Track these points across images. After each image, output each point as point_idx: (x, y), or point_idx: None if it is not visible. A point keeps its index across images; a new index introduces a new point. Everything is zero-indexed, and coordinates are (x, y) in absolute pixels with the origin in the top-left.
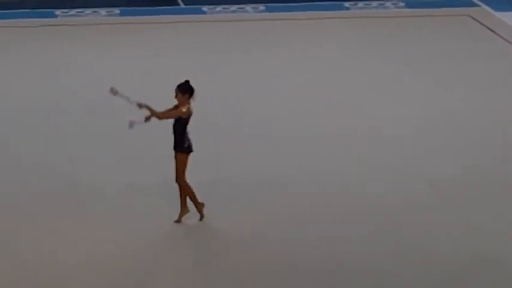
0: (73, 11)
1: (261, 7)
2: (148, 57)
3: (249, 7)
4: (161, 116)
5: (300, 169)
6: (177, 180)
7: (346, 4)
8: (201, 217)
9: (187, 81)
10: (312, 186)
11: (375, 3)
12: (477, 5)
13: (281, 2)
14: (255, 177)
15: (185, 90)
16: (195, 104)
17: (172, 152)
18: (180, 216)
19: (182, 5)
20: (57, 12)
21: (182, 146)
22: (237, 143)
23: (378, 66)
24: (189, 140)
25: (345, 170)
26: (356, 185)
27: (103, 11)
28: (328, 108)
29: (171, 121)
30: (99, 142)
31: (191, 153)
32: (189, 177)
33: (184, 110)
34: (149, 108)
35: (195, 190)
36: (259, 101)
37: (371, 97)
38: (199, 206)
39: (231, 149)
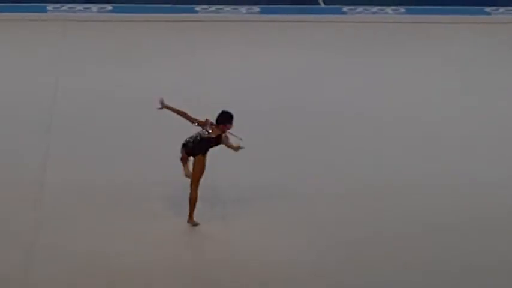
0: (213, 8)
1: (402, 9)
2: (288, 55)
3: (389, 9)
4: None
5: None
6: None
7: (487, 9)
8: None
9: (226, 112)
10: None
11: None
12: None
13: (422, 5)
14: None
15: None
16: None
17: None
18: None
19: (322, 5)
20: (198, 8)
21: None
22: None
23: None
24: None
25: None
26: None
27: (243, 9)
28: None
29: None
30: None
31: None
32: None
33: (220, 133)
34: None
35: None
36: (408, 103)
37: None
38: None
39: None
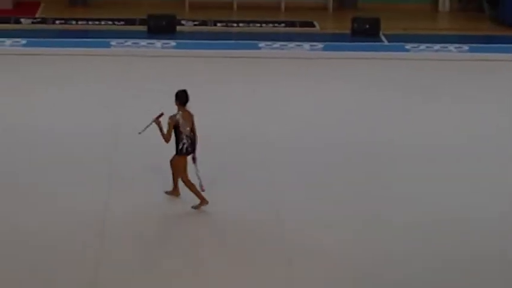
0: (277, 44)
1: (465, 47)
2: (351, 92)
3: (452, 47)
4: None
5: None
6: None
7: None
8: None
9: (182, 91)
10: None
11: None
12: None
13: (485, 43)
14: None
15: (176, 98)
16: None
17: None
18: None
19: (386, 42)
20: (261, 44)
21: (177, 149)
22: None
23: None
24: (184, 144)
25: None
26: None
27: (306, 45)
28: None
29: None
30: None
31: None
32: None
33: (168, 120)
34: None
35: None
36: (473, 140)
37: None
38: (200, 199)
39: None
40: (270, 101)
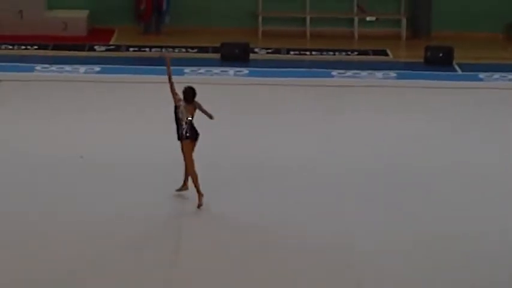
0: (350, 72)
1: None
2: (424, 121)
3: None
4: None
5: None
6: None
7: None
8: (199, 205)
9: (189, 88)
10: None
11: None
12: None
13: None
14: None
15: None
16: None
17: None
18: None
19: (459, 71)
20: (334, 72)
21: (178, 135)
22: None
23: None
24: (183, 129)
25: None
26: None
27: (379, 74)
28: None
29: None
30: None
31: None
32: None
33: (176, 96)
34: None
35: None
36: None
37: None
38: (200, 196)
39: None
40: (343, 129)
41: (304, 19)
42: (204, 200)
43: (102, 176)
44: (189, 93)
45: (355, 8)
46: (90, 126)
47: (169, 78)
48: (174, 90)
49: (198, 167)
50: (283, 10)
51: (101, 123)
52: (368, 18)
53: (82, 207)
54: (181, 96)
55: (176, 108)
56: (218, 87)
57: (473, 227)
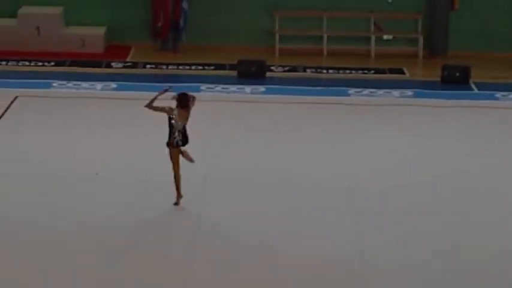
0: (366, 91)
1: None
2: (441, 140)
3: None
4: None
5: None
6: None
7: None
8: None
9: (182, 94)
10: None
11: None
12: None
13: None
14: None
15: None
16: None
17: None
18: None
19: (475, 90)
20: (350, 91)
21: (168, 141)
22: None
23: None
24: (174, 138)
25: None
26: None
27: (396, 93)
28: None
29: None
30: None
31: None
32: None
33: (167, 108)
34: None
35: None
36: None
37: None
38: (178, 196)
39: None
40: (359, 147)
41: (321, 37)
42: (202, 208)
43: (117, 191)
44: (182, 99)
45: (372, 27)
46: (107, 142)
47: (150, 103)
48: (158, 108)
49: (214, 183)
50: (300, 28)
51: (118, 139)
52: (385, 37)
53: (98, 222)
54: (173, 105)
55: (170, 118)
56: (234, 105)
57: (489, 244)
